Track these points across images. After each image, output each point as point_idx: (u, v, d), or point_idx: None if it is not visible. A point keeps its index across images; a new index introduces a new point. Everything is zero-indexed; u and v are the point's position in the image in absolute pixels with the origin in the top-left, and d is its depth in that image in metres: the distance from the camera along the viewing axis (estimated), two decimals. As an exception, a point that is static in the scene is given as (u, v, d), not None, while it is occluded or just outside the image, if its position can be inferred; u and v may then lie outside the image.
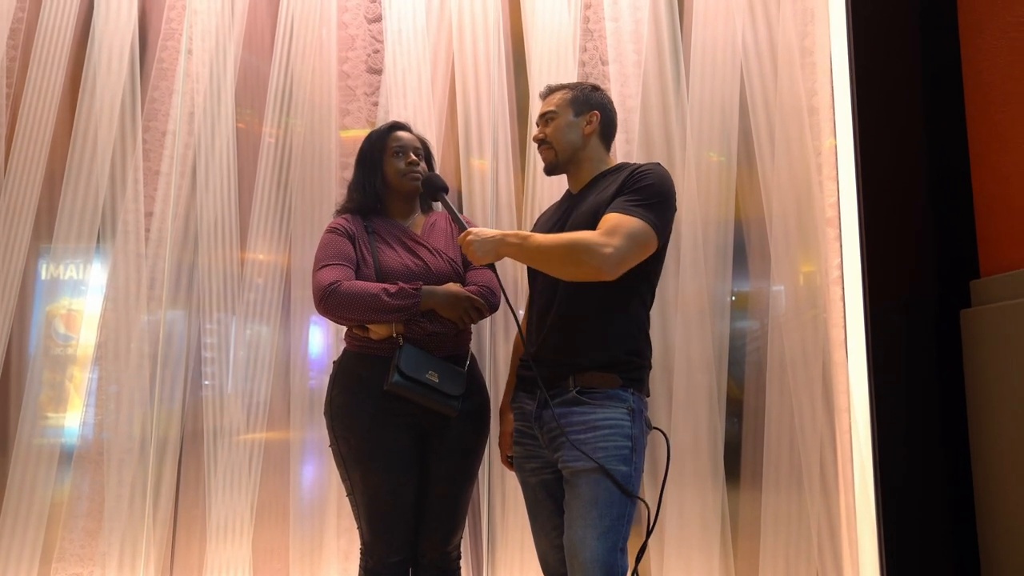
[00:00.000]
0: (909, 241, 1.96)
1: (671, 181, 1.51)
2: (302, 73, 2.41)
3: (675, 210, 1.51)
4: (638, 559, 1.45)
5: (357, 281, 1.63)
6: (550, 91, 1.66)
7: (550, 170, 1.64)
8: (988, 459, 1.74)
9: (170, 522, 2.29)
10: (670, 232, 1.52)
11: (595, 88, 1.65)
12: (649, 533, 1.46)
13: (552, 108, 1.61)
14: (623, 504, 1.38)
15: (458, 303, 1.64)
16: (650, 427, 1.52)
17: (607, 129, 1.63)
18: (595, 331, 1.47)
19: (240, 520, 2.24)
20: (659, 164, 1.54)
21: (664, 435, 1.57)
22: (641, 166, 1.52)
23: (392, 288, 1.60)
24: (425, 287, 1.62)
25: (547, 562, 1.54)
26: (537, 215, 2.32)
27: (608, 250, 1.37)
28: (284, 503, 2.27)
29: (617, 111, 2.22)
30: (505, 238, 1.47)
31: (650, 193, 1.45)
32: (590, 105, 1.61)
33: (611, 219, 1.42)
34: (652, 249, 1.44)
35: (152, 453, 2.29)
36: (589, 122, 1.59)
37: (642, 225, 1.41)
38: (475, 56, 2.38)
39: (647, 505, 1.42)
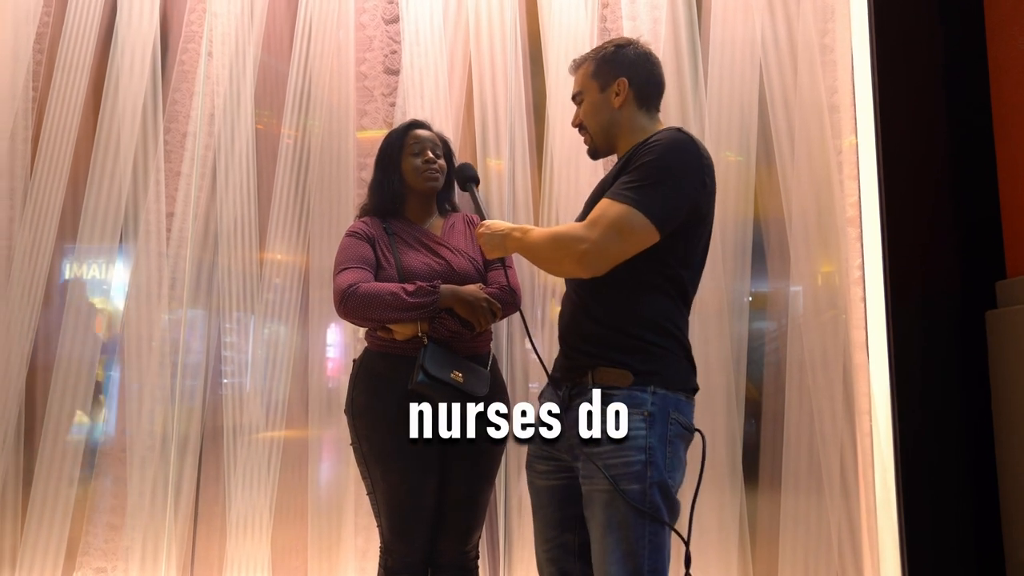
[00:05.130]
0: (932, 240, 1.92)
1: (683, 152, 1.29)
2: (320, 74, 2.42)
3: (690, 184, 1.28)
4: (687, 564, 1.25)
5: (376, 282, 1.63)
6: (575, 66, 1.46)
7: (593, 154, 1.47)
8: (1014, 463, 1.70)
9: (191, 518, 2.31)
10: (682, 211, 1.28)
11: (620, 46, 1.41)
12: (687, 542, 1.26)
13: (578, 88, 1.44)
14: (642, 525, 1.21)
15: (476, 303, 1.63)
16: (689, 429, 1.33)
17: (643, 90, 1.39)
18: (606, 313, 1.32)
19: (259, 517, 2.26)
20: (677, 131, 1.32)
21: (702, 436, 1.36)
22: (650, 138, 1.33)
23: (410, 287, 1.60)
24: (444, 285, 1.62)
25: (541, 570, 1.42)
26: (554, 215, 2.32)
27: (584, 246, 1.24)
28: (302, 501, 2.29)
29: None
30: (511, 232, 1.40)
31: (647, 172, 1.26)
32: (615, 72, 1.39)
33: (599, 207, 1.28)
34: (646, 236, 1.24)
35: (173, 450, 2.32)
36: (617, 92, 1.38)
37: (627, 212, 1.23)
38: (492, 56, 2.37)
39: (667, 523, 1.24)
